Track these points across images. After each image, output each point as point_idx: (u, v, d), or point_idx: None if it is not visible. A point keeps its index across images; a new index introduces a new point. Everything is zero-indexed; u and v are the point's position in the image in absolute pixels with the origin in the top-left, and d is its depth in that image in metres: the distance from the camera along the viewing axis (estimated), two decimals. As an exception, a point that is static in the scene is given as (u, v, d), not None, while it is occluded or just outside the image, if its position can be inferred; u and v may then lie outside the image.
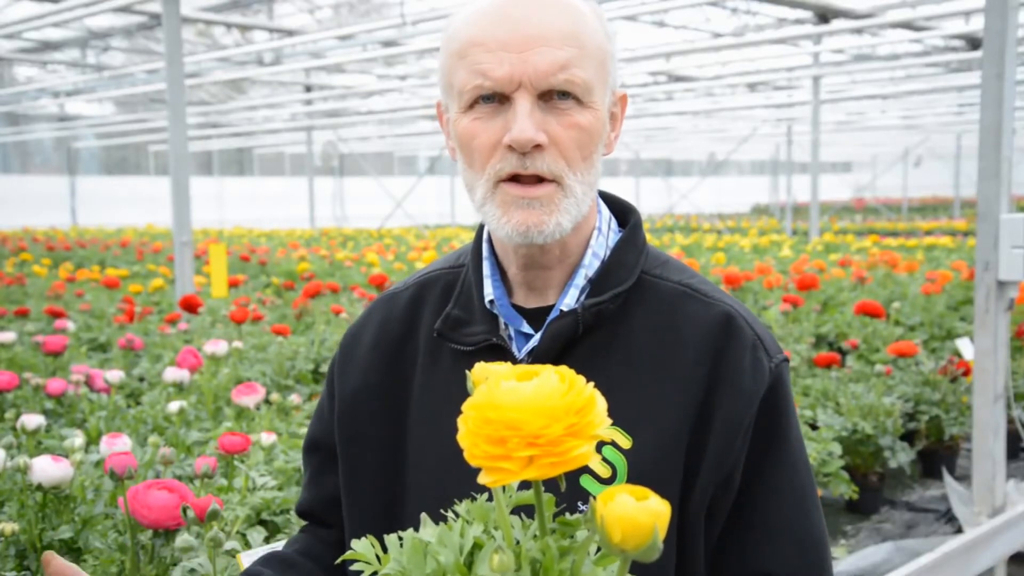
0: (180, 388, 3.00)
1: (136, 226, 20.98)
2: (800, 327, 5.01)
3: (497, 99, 1.00)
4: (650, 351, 1.06)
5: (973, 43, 11.12)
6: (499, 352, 1.08)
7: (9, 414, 2.88)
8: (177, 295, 5.26)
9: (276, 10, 12.78)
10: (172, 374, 3.02)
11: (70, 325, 4.83)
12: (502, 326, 1.10)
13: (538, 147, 0.99)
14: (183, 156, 5.16)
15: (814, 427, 3.52)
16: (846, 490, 3.15)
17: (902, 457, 3.64)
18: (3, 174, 24.27)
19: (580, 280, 1.08)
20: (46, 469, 1.80)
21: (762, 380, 1.05)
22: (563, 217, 1.01)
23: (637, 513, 0.61)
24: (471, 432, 0.64)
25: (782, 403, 1.07)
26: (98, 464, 2.12)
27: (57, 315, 5.16)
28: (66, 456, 1.99)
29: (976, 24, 10.00)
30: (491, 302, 1.10)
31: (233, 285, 7.25)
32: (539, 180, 1.01)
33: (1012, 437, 3.75)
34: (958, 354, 4.28)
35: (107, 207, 23.86)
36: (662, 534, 0.62)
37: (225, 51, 11.23)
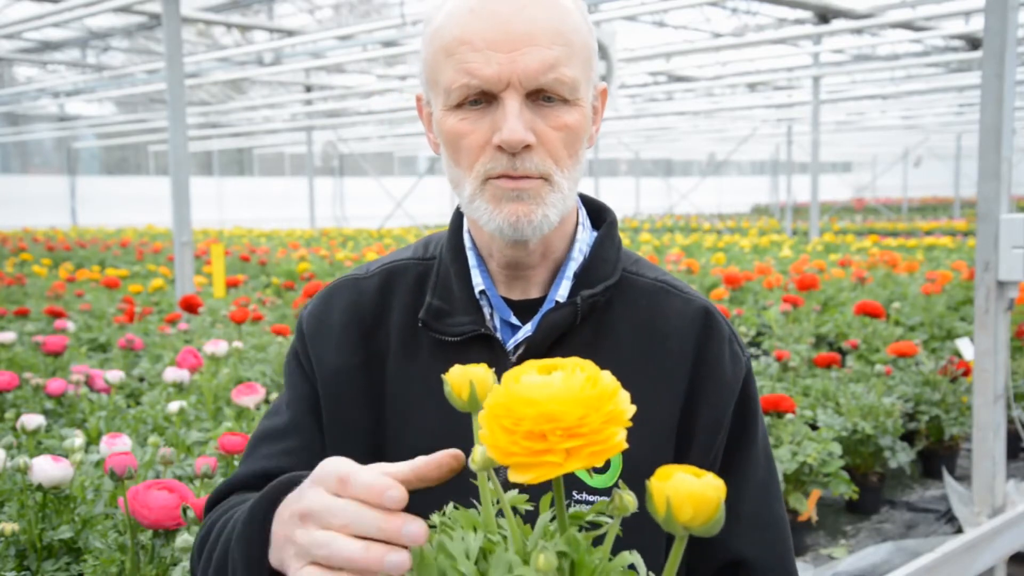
0: (180, 388, 3.00)
1: (136, 226, 20.96)
2: (800, 327, 5.01)
3: (485, 98, 0.99)
4: (635, 345, 1.08)
5: (973, 43, 11.13)
6: (487, 342, 1.06)
7: (9, 414, 2.88)
8: (177, 295, 5.26)
9: (276, 10, 12.80)
10: (172, 374, 3.01)
11: (70, 325, 4.82)
12: (487, 317, 1.09)
13: (527, 147, 0.98)
14: (183, 156, 5.16)
15: (814, 427, 3.51)
16: (846, 490, 3.15)
17: (902, 457, 3.64)
18: (3, 174, 24.26)
19: (571, 273, 1.09)
20: (46, 469, 1.80)
21: (739, 373, 1.10)
22: (550, 210, 1.01)
23: (705, 489, 0.62)
24: (506, 430, 0.62)
25: (754, 395, 1.12)
26: (98, 464, 2.12)
27: (57, 315, 5.16)
28: (66, 456, 1.99)
29: (976, 24, 10.01)
30: (482, 292, 1.09)
31: (233, 285, 7.25)
32: (527, 176, 1.01)
33: (1012, 437, 3.75)
34: (958, 354, 4.28)
35: (107, 207, 23.85)
36: None
37: (225, 51, 11.23)
